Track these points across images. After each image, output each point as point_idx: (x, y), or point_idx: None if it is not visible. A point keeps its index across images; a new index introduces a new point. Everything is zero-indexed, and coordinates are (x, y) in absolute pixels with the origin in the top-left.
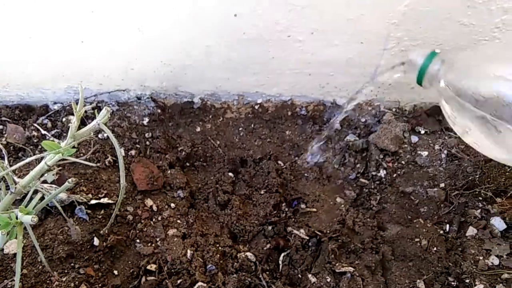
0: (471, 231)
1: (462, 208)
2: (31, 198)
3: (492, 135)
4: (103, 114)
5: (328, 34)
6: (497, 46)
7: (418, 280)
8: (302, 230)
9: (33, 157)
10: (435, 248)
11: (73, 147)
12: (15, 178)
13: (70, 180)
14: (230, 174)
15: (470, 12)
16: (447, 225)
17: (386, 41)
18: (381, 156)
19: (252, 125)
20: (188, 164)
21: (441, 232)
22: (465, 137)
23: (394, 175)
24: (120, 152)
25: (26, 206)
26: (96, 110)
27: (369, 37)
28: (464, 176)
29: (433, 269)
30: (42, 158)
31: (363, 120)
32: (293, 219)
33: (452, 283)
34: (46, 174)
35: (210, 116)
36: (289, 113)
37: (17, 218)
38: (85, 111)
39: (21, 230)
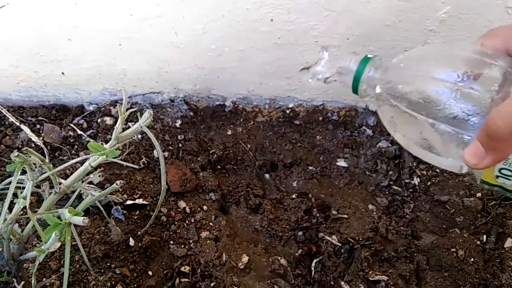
0: (509, 242)
1: (500, 218)
2: (76, 199)
3: (433, 140)
4: (145, 117)
5: (363, 39)
6: (432, 46)
7: None
8: (334, 237)
9: (78, 159)
10: (472, 259)
11: (117, 149)
12: (60, 181)
13: (118, 182)
14: (261, 178)
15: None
16: (484, 236)
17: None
18: (415, 164)
19: (283, 130)
20: (219, 167)
21: (478, 242)
22: (406, 144)
23: (429, 183)
24: (163, 157)
25: (73, 207)
26: (132, 112)
27: (404, 44)
28: None
29: (470, 280)
30: (84, 159)
31: None
32: (325, 225)
33: None
34: (92, 175)
35: (241, 120)
36: (320, 118)
37: (65, 218)
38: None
39: (69, 231)
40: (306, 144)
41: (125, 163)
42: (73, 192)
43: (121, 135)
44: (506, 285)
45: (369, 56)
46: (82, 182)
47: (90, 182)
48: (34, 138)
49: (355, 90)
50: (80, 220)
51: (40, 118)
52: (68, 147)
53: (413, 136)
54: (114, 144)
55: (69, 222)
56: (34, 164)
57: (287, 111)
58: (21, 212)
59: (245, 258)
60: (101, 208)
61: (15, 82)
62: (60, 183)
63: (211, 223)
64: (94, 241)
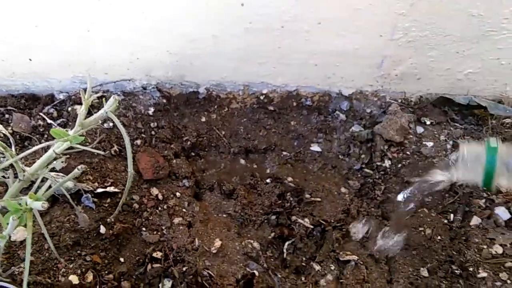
0: (475, 220)
1: (467, 197)
2: (39, 186)
3: None
4: (111, 103)
5: (335, 24)
6: None
7: (422, 268)
8: (306, 219)
9: (41, 145)
10: (439, 237)
11: (81, 135)
12: (23, 166)
13: (79, 167)
14: (235, 164)
15: (479, 3)
16: (452, 215)
17: (393, 32)
18: (386, 147)
19: (257, 116)
20: (193, 154)
21: (445, 221)
22: None
23: (399, 165)
24: (129, 143)
25: (35, 194)
26: (102, 99)
27: (376, 28)
28: None
29: (437, 257)
30: (49, 147)
31: (368, 110)
32: (298, 209)
33: (456, 271)
34: (55, 162)
35: (215, 107)
36: (294, 104)
37: (26, 205)
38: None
39: (31, 216)
40: (281, 130)
41: (92, 150)
42: (43, 180)
43: (85, 121)
44: (470, 261)
45: (492, 144)
46: (47, 169)
47: (52, 170)
48: None
49: (488, 185)
50: (39, 205)
51: (9, 107)
52: (37, 136)
53: None
54: (78, 130)
55: (30, 208)
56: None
57: (261, 97)
58: None
59: (217, 243)
60: (67, 195)
61: None
62: (24, 171)
63: (184, 209)
64: (64, 229)
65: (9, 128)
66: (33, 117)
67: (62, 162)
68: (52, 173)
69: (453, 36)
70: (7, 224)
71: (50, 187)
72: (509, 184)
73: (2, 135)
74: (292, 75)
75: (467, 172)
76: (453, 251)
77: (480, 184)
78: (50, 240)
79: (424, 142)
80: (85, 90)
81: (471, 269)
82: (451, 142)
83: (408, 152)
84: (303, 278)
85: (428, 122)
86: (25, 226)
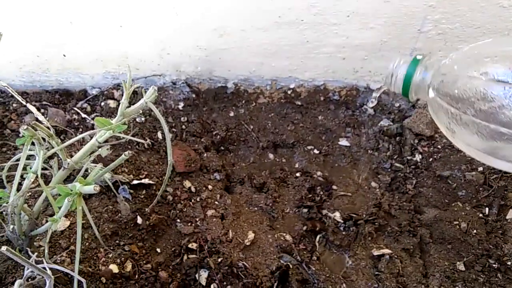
0: (511, 214)
1: (502, 191)
2: (84, 176)
3: (490, 143)
4: (150, 93)
5: (363, 16)
6: (482, 44)
7: (458, 262)
8: (337, 213)
9: (86, 133)
10: (474, 231)
11: (124, 123)
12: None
13: (126, 153)
14: (264, 158)
15: None
16: (487, 209)
17: (422, 24)
18: (417, 141)
19: (285, 110)
20: (222, 148)
21: (480, 215)
22: (468, 151)
23: (430, 159)
24: (168, 132)
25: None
26: (142, 90)
27: (405, 20)
28: None
29: (473, 251)
30: (90, 138)
31: (397, 104)
32: (328, 203)
33: (494, 265)
34: (99, 149)
35: (243, 101)
36: (322, 98)
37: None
38: (122, 95)
39: (81, 201)
40: (308, 124)
41: (131, 138)
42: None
43: (127, 111)
44: (508, 254)
45: (418, 57)
46: (91, 157)
47: (96, 160)
48: (40, 117)
49: (405, 93)
50: (91, 188)
51: (44, 102)
52: (73, 130)
53: (475, 142)
54: (121, 120)
55: (80, 192)
56: (43, 139)
57: (289, 92)
58: (31, 187)
59: (251, 235)
60: (110, 184)
61: (18, 67)
62: (69, 160)
63: (216, 202)
64: (103, 219)
65: (45, 123)
66: (67, 112)
67: (107, 149)
68: (92, 165)
69: (483, 28)
70: (59, 208)
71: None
72: (423, 97)
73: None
74: (320, 69)
75: (394, 80)
76: (489, 245)
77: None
78: (95, 227)
79: None
80: (118, 86)
81: (509, 263)
82: None
83: (439, 146)
84: (336, 272)
85: None
86: (70, 214)
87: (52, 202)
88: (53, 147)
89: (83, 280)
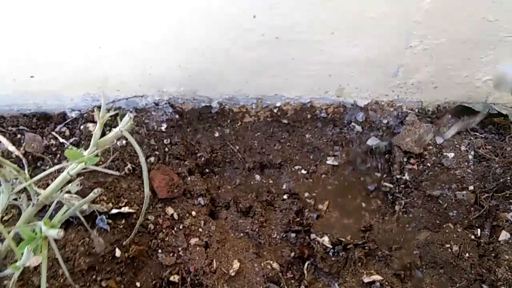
0: (504, 235)
1: (494, 211)
2: (54, 210)
3: None
4: (125, 121)
5: (349, 33)
6: None
7: None
8: (325, 238)
9: (55, 168)
10: (467, 254)
11: (96, 155)
12: (36, 188)
13: (95, 190)
14: (251, 179)
15: (495, 8)
16: (479, 230)
17: (408, 40)
18: (406, 159)
19: (271, 129)
20: (207, 170)
21: (473, 237)
22: None
23: (420, 178)
24: (145, 162)
25: (49, 218)
26: (117, 117)
27: (390, 36)
28: (494, 178)
29: (466, 276)
30: (62, 168)
31: (385, 121)
32: (317, 226)
33: None
34: (70, 185)
35: (229, 121)
36: (309, 116)
37: (41, 232)
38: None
39: (46, 244)
40: (295, 143)
41: (106, 170)
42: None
43: (100, 141)
44: (502, 279)
45: None
46: (62, 192)
47: (67, 192)
48: (11, 148)
49: None
50: (55, 233)
51: (21, 127)
52: (50, 156)
53: None
54: (93, 151)
55: (45, 236)
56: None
57: (275, 110)
58: None
59: (236, 264)
60: (82, 218)
61: None
62: (38, 194)
63: (200, 229)
64: (79, 253)
65: (21, 149)
66: (45, 137)
67: (77, 185)
68: (66, 195)
69: (469, 43)
70: (22, 253)
71: (64, 209)
72: None
73: (14, 156)
74: (306, 87)
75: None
76: (482, 269)
77: None
78: (65, 267)
79: (444, 153)
80: (99, 107)
81: None
82: (472, 153)
83: (428, 164)
84: None
85: None
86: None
87: (14, 248)
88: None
89: None
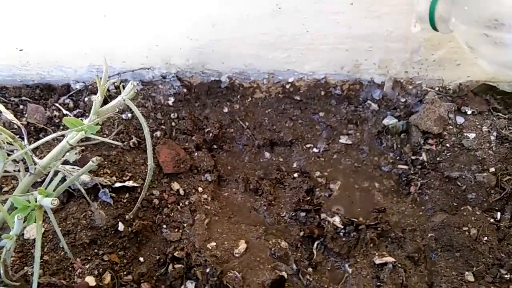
0: None
1: None
2: (52, 180)
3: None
4: (128, 89)
5: (368, 4)
6: None
7: (467, 272)
8: (336, 218)
9: (54, 135)
10: (485, 238)
11: (97, 124)
12: (36, 159)
13: (94, 159)
14: (260, 157)
15: None
16: (498, 213)
17: None
18: (423, 139)
19: (283, 106)
20: (215, 146)
21: (492, 220)
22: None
23: (438, 159)
24: (149, 133)
25: (46, 188)
26: (119, 89)
27: (413, 7)
28: None
29: (483, 260)
30: (63, 137)
31: (403, 100)
32: (327, 205)
33: (505, 275)
34: (68, 153)
35: (238, 96)
36: (323, 93)
37: (36, 201)
38: (108, 90)
39: (41, 214)
40: (308, 121)
41: (109, 141)
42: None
43: (101, 109)
44: None
45: None
46: (59, 161)
47: (66, 163)
48: (9, 116)
49: (434, 27)
50: (48, 202)
51: (23, 98)
52: (53, 128)
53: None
54: (94, 119)
55: (40, 205)
56: (10, 143)
57: (287, 86)
58: None
59: (243, 241)
60: (82, 190)
61: None
62: (36, 163)
63: (206, 206)
64: (80, 226)
65: (23, 119)
66: (48, 108)
67: (75, 154)
68: (67, 167)
69: None
70: (13, 223)
71: (64, 180)
72: (445, 30)
73: (16, 128)
74: (321, 62)
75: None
76: (501, 254)
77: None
78: (63, 239)
79: (465, 134)
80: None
81: None
82: (494, 134)
83: (447, 145)
84: (335, 282)
85: (469, 112)
86: (44, 220)
87: (6, 216)
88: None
89: None
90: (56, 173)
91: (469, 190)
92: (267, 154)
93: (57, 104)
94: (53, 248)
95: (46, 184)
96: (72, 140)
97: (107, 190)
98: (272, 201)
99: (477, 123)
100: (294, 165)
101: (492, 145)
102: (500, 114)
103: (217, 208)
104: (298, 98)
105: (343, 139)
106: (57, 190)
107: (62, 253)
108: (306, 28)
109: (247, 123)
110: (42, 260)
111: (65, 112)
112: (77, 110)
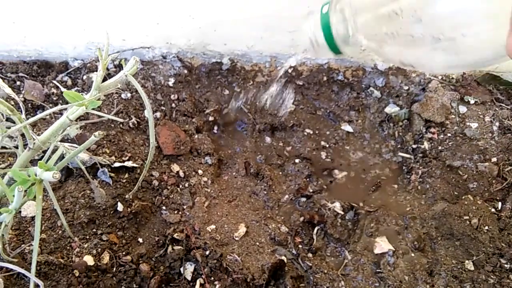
0: None
1: None
2: (51, 157)
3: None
4: (131, 65)
5: None
6: None
7: (467, 261)
8: (337, 204)
9: (54, 109)
10: (486, 227)
11: (98, 99)
12: (33, 134)
13: (96, 133)
14: (261, 141)
15: None
16: (500, 203)
17: None
18: (425, 128)
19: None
20: (216, 129)
21: (493, 210)
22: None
23: (440, 147)
24: (151, 110)
25: (46, 163)
26: (119, 68)
27: None
28: None
29: (483, 249)
30: (63, 113)
31: (405, 87)
32: (328, 192)
33: (506, 265)
34: (68, 128)
35: (240, 79)
36: (325, 78)
37: (36, 176)
38: (107, 69)
39: (41, 188)
40: (309, 107)
41: (110, 116)
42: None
43: (103, 85)
44: None
45: (324, 9)
46: (58, 136)
47: (65, 140)
48: (7, 90)
49: (335, 50)
50: (50, 175)
51: (20, 74)
52: (51, 105)
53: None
54: (95, 95)
55: (40, 179)
56: (8, 119)
57: (289, 70)
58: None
59: (243, 225)
60: (82, 167)
61: None
62: (35, 139)
63: (206, 188)
64: (79, 205)
65: (21, 96)
66: (46, 85)
67: (76, 128)
68: (66, 144)
69: None
70: (13, 196)
71: (63, 158)
72: (353, 52)
73: (13, 104)
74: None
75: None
76: (502, 243)
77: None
78: (63, 216)
79: (467, 123)
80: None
81: None
82: (497, 124)
83: (449, 134)
84: (334, 268)
85: (472, 101)
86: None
87: (5, 190)
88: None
89: (40, 283)
90: (56, 149)
91: (470, 180)
92: (268, 139)
93: (55, 82)
94: (50, 226)
95: (45, 159)
96: (72, 115)
97: (106, 170)
98: (273, 185)
99: (480, 112)
100: (295, 150)
101: (495, 135)
102: (503, 105)
103: (217, 191)
104: (300, 83)
105: (345, 126)
106: (57, 165)
107: (60, 231)
108: (310, 9)
109: (248, 107)
110: (40, 238)
111: (63, 89)
112: (75, 88)
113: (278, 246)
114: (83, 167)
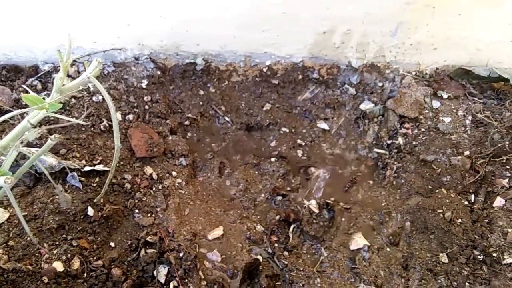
0: (498, 201)
1: (489, 177)
2: (17, 162)
3: None
4: (93, 66)
5: None
6: None
7: (441, 254)
8: (313, 202)
9: (14, 112)
10: (459, 220)
11: (60, 103)
12: None
13: (53, 136)
14: (236, 141)
15: None
16: (473, 196)
17: None
18: (400, 123)
19: (260, 90)
20: (190, 130)
21: (466, 202)
22: None
23: (414, 142)
24: (115, 112)
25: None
26: (84, 63)
27: None
28: (491, 143)
29: (457, 242)
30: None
31: (380, 84)
32: (305, 189)
33: (479, 256)
34: (27, 132)
35: (215, 79)
36: (300, 77)
37: None
38: (79, 72)
39: None
40: (285, 105)
41: (72, 120)
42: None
43: (64, 87)
44: (495, 245)
45: None
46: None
47: (30, 145)
48: None
49: None
50: (2, 180)
51: None
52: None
53: None
54: (56, 97)
55: None
56: None
57: (264, 70)
58: None
59: (218, 226)
60: (46, 172)
61: None
62: None
63: (181, 190)
64: (48, 211)
65: None
66: (15, 90)
67: (35, 132)
68: (33, 149)
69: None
70: None
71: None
72: None
73: None
74: (298, 44)
75: None
76: (475, 235)
77: None
78: (25, 223)
79: (441, 118)
80: (74, 61)
81: (495, 254)
82: (470, 118)
83: (423, 129)
84: (310, 265)
85: (445, 96)
86: (10, 205)
87: None
88: None
89: None
90: (19, 155)
91: (444, 173)
92: (244, 139)
93: (24, 86)
94: (19, 233)
95: (4, 165)
96: (33, 119)
97: (75, 174)
98: (248, 185)
99: (453, 107)
100: (271, 149)
101: (467, 129)
102: (476, 99)
103: (191, 192)
104: (275, 82)
105: (321, 124)
106: (18, 171)
107: (29, 238)
108: (282, 9)
109: (223, 107)
110: (7, 245)
111: (32, 94)
112: (46, 92)
113: (253, 245)
114: (46, 172)
